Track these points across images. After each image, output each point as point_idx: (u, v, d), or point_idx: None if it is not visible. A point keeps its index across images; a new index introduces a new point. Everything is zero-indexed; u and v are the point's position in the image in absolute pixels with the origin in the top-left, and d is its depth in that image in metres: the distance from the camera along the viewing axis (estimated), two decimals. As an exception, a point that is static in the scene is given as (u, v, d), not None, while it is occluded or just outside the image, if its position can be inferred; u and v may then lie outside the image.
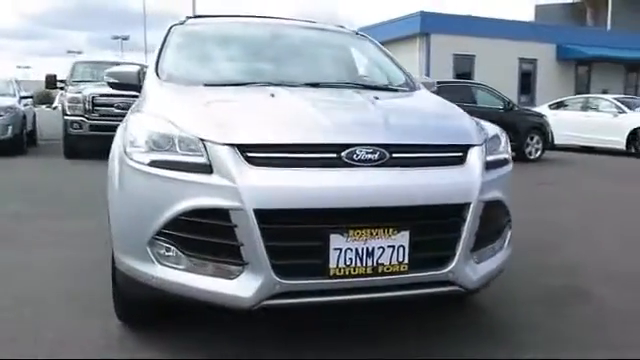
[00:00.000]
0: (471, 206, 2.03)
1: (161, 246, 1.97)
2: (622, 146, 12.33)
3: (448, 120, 2.32)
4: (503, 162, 2.33)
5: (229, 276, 1.89)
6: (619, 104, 12.99)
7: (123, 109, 9.55)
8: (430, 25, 17.58)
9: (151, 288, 2.03)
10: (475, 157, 2.12)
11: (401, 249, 1.94)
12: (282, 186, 1.85)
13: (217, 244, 1.88)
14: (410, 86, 3.15)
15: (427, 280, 2.01)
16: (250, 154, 1.89)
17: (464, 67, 18.47)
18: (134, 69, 3.06)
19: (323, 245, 1.87)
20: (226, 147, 1.89)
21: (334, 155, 1.93)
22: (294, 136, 1.96)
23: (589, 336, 2.45)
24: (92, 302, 2.68)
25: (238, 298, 1.87)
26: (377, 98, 2.52)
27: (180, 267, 1.95)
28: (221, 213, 1.85)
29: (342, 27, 3.88)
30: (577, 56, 20.24)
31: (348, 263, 1.89)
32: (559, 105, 14.50)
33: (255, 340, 2.33)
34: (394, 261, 1.94)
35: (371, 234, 1.90)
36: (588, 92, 19.09)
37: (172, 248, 1.95)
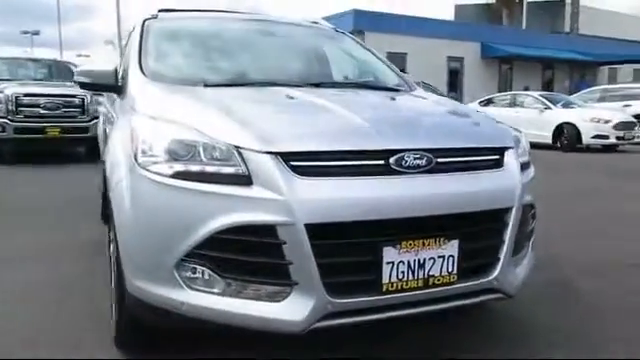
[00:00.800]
0: (513, 210, 1.97)
1: (192, 269, 1.75)
2: (549, 140, 13.01)
3: (478, 122, 2.25)
4: (528, 164, 2.30)
5: (275, 298, 1.71)
6: (544, 100, 13.71)
7: (50, 109, 8.91)
8: (363, 23, 17.75)
9: (177, 316, 1.80)
10: (512, 159, 2.07)
11: (450, 259, 1.85)
12: (334, 197, 1.69)
13: (261, 263, 1.70)
14: (408, 85, 3.08)
15: (475, 289, 1.93)
16: (295, 163, 1.71)
17: (397, 65, 18.62)
18: (110, 67, 2.76)
19: (375, 259, 1.74)
20: (269, 156, 1.71)
21: (382, 162, 1.80)
22: (340, 143, 1.80)
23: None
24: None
25: (288, 322, 1.69)
26: (394, 99, 2.41)
27: (215, 291, 1.74)
28: (267, 229, 1.67)
29: (317, 23, 3.74)
30: (500, 54, 21.25)
31: (400, 277, 1.78)
32: (489, 102, 15.12)
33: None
34: (444, 272, 1.84)
35: (423, 245, 1.79)
36: (510, 89, 20.09)
37: (206, 270, 1.74)
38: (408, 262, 1.78)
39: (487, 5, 33.83)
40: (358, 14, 17.81)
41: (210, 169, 1.75)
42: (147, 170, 1.83)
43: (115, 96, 2.93)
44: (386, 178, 1.78)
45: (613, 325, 2.50)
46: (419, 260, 1.79)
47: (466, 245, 1.87)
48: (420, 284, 1.81)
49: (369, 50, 3.46)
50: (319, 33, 3.51)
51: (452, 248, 1.84)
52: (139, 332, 2.09)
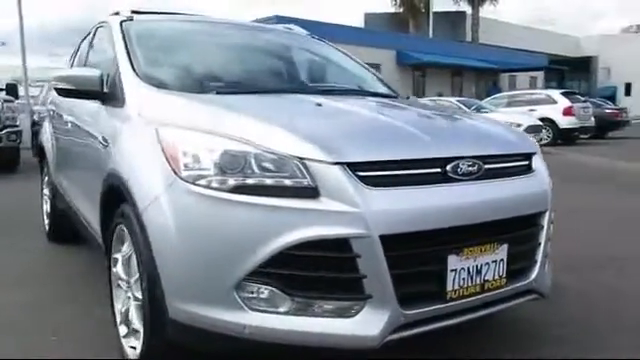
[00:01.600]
0: (547, 213, 2.06)
1: (254, 288, 1.65)
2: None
3: (503, 128, 2.32)
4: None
5: (347, 314, 1.65)
6: (461, 105, 14.49)
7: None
8: None
9: (234, 340, 1.68)
10: (540, 164, 2.15)
11: (501, 263, 1.89)
12: (405, 207, 1.67)
13: (332, 278, 1.64)
14: (397, 93, 3.11)
15: (518, 291, 1.99)
16: (362, 173, 1.67)
17: (318, 71, 19.01)
18: (95, 73, 2.54)
19: (441, 268, 1.74)
20: (337, 167, 1.64)
21: (439, 170, 1.80)
22: (402, 152, 1.77)
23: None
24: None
25: (363, 337, 1.64)
26: (412, 107, 2.42)
27: (281, 310, 1.65)
28: (340, 243, 1.61)
29: (291, 29, 3.70)
30: (414, 62, 22.19)
31: (461, 284, 1.79)
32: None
33: None
34: (496, 276, 1.88)
35: (480, 251, 1.82)
36: (424, 95, 21.00)
37: (270, 289, 1.64)
38: (468, 269, 1.79)
39: (395, 14, 35.21)
40: (281, 20, 17.76)
41: (272, 182, 1.66)
42: (196, 185, 1.69)
43: (94, 104, 2.66)
44: (445, 186, 1.78)
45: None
46: (477, 266, 1.81)
47: (513, 249, 1.92)
48: (477, 289, 1.83)
49: (351, 57, 3.46)
50: (305, 40, 3.46)
51: (502, 252, 1.88)
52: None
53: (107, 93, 2.53)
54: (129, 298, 2.15)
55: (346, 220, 1.61)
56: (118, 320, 2.27)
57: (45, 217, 4.47)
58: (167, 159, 1.80)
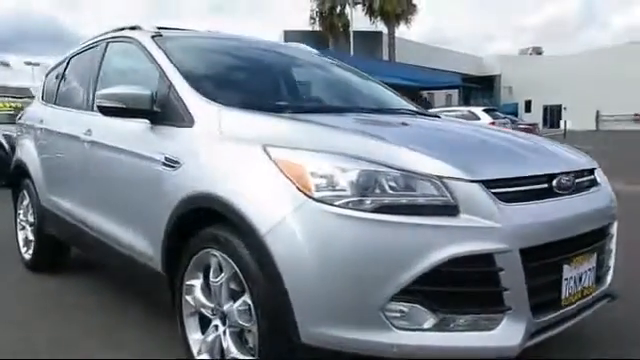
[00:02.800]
0: (615, 222, 2.24)
1: (399, 307, 1.66)
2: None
3: (566, 146, 2.48)
4: None
5: (488, 327, 1.70)
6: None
7: None
8: None
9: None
10: (602, 177, 2.34)
11: (592, 270, 2.04)
12: (536, 222, 1.77)
13: (474, 293, 1.69)
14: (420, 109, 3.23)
15: (600, 296, 2.14)
16: (495, 190, 1.75)
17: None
18: (147, 91, 2.43)
19: (559, 277, 1.86)
20: (476, 184, 1.71)
21: (546, 185, 1.92)
22: (521, 169, 1.88)
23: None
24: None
25: (504, 348, 1.70)
26: (467, 124, 2.54)
27: (425, 327, 1.67)
28: (485, 258, 1.67)
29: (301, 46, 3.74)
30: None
31: (570, 291, 1.91)
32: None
33: None
34: (590, 282, 2.03)
35: (582, 260, 1.95)
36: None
37: (415, 306, 1.66)
38: (574, 277, 1.92)
39: (314, 32, 35.92)
40: None
41: (413, 201, 1.69)
42: (333, 206, 1.68)
43: (136, 124, 2.53)
44: (555, 200, 1.90)
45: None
46: (580, 274, 1.95)
47: (599, 257, 2.08)
48: (579, 296, 1.96)
49: (367, 76, 3.55)
50: (325, 59, 3.49)
51: (594, 260, 2.03)
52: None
53: (158, 112, 2.43)
54: (216, 326, 2.07)
55: (490, 236, 1.67)
56: (196, 350, 2.16)
57: (22, 245, 4.11)
58: (290, 180, 1.76)
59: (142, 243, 2.47)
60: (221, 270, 2.02)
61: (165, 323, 2.69)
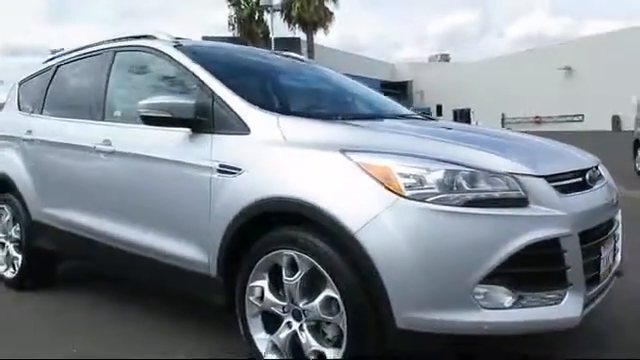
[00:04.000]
0: (620, 210, 2.61)
1: (485, 289, 1.88)
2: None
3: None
4: None
5: (556, 301, 1.95)
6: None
7: None
8: None
9: (464, 337, 1.90)
10: (605, 171, 2.70)
11: (612, 251, 2.37)
12: (587, 209, 2.07)
13: (544, 273, 1.94)
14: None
15: (618, 271, 2.48)
16: (554, 183, 2.02)
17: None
18: (191, 100, 2.49)
19: (598, 255, 2.16)
20: (541, 179, 1.97)
21: (581, 179, 2.22)
22: (566, 165, 2.18)
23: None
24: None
25: (569, 319, 1.96)
26: (473, 127, 2.83)
27: (506, 305, 1.90)
28: (553, 242, 1.93)
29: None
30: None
31: (604, 269, 2.23)
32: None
33: None
34: (612, 261, 2.36)
35: (608, 242, 2.28)
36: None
37: (498, 288, 1.89)
38: (607, 256, 2.24)
39: (233, 38, 35.71)
40: None
41: (491, 195, 1.91)
42: (424, 202, 1.88)
43: (173, 133, 2.57)
44: (589, 191, 2.21)
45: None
46: (608, 254, 2.27)
47: (615, 240, 2.42)
48: (607, 272, 2.28)
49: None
50: (322, 67, 3.66)
51: (612, 243, 2.37)
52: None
53: (203, 120, 2.49)
54: (289, 323, 2.18)
55: (556, 222, 1.94)
56: (264, 349, 2.25)
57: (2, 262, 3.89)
58: (378, 181, 1.93)
59: (190, 250, 2.50)
60: (294, 269, 2.13)
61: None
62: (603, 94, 26.22)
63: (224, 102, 2.48)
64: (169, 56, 2.83)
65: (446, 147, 2.07)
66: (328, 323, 2.09)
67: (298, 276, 2.12)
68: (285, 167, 2.21)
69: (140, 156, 2.76)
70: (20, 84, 4.15)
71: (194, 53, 2.82)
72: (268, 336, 2.26)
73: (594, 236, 2.12)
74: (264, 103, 2.44)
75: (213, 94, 2.52)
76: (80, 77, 3.51)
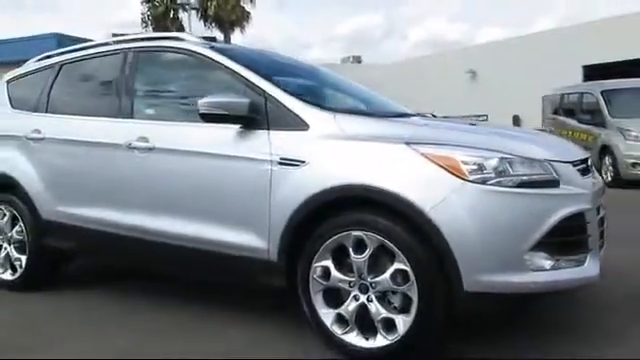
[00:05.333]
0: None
1: (533, 255, 2.29)
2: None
3: None
4: None
5: (581, 263, 2.41)
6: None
7: None
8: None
9: (515, 295, 2.32)
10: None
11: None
12: (596, 189, 2.60)
13: (573, 240, 2.40)
14: None
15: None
16: (575, 167, 2.49)
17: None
18: (246, 99, 2.72)
19: (603, 227, 2.67)
20: (569, 164, 2.43)
21: (585, 165, 2.71)
22: (578, 154, 2.67)
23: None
24: None
25: (591, 277, 2.43)
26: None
27: (547, 268, 2.33)
28: (581, 215, 2.39)
29: None
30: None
31: (604, 238, 2.72)
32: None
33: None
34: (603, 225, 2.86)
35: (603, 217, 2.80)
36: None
37: (542, 253, 2.31)
38: (604, 229, 2.72)
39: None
40: (62, 39, 16.00)
41: (533, 178, 2.34)
42: (486, 185, 2.26)
43: (224, 131, 2.77)
44: (591, 176, 2.70)
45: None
46: (603, 227, 2.77)
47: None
48: (603, 241, 2.79)
49: None
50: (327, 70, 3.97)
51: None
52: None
53: (256, 118, 2.72)
54: (355, 296, 2.47)
55: (583, 199, 2.41)
56: (329, 322, 2.52)
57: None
58: (444, 168, 2.29)
59: (248, 238, 2.71)
60: (362, 248, 2.43)
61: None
62: (504, 95, 28.30)
63: (278, 101, 2.71)
64: (207, 57, 3.00)
65: (492, 139, 2.49)
66: (394, 293, 2.41)
67: (367, 254, 2.42)
68: (349, 158, 2.50)
69: (187, 152, 2.91)
70: (8, 82, 4.06)
71: (231, 54, 3.02)
72: (332, 310, 2.54)
73: (599, 210, 2.61)
74: (318, 102, 2.72)
75: (265, 93, 2.75)
76: (95, 76, 3.55)
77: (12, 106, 3.93)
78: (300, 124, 2.64)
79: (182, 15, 32.88)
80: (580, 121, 9.26)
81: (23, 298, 3.57)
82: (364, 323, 2.46)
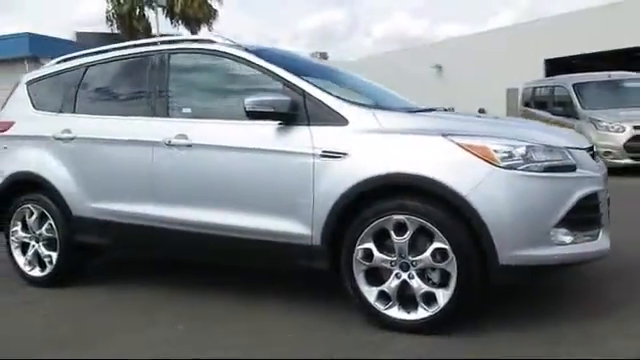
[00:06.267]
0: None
1: (556, 231, 2.60)
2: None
3: None
4: None
5: (594, 238, 2.73)
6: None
7: None
8: (39, 49, 15.75)
9: (542, 267, 2.64)
10: None
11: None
12: (604, 172, 2.92)
13: (588, 218, 2.72)
14: None
15: None
16: (589, 153, 2.82)
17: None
18: (288, 98, 2.94)
19: (609, 206, 2.99)
20: (584, 151, 2.76)
21: (592, 152, 3.03)
22: (581, 142, 3.00)
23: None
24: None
25: (603, 250, 2.76)
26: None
27: (567, 242, 2.64)
28: (594, 195, 2.71)
29: None
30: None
31: (609, 216, 3.07)
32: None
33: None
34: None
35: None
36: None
37: (563, 229, 2.62)
38: (609, 208, 3.07)
39: (112, 34, 33.96)
40: (34, 38, 15.68)
41: (555, 163, 2.64)
42: (516, 170, 2.56)
43: (263, 128, 2.99)
44: (597, 162, 3.03)
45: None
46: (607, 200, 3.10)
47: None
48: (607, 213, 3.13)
49: None
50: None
51: (606, 198, 3.24)
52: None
53: (295, 114, 2.94)
54: (397, 274, 2.73)
55: (596, 181, 2.73)
56: (372, 299, 2.78)
57: (23, 263, 3.90)
58: (479, 157, 2.57)
59: (292, 225, 2.92)
60: (402, 230, 2.69)
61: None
62: (470, 89, 28.99)
63: (317, 99, 2.94)
64: (244, 59, 3.20)
65: (516, 130, 2.80)
66: (433, 270, 2.68)
67: (407, 235, 2.68)
68: (390, 149, 2.75)
69: (228, 147, 3.10)
70: (28, 84, 4.14)
71: (264, 56, 3.23)
72: (374, 288, 2.79)
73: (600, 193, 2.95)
74: (354, 99, 2.96)
75: (304, 92, 2.97)
76: (125, 77, 3.68)
77: (34, 107, 4.01)
78: (340, 120, 2.87)
79: (148, 13, 32.51)
80: (553, 113, 9.77)
81: (59, 293, 3.69)
82: (403, 298, 2.73)
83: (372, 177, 2.73)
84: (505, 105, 25.73)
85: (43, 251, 3.85)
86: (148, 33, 32.34)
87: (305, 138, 2.91)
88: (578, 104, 9.25)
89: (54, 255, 3.80)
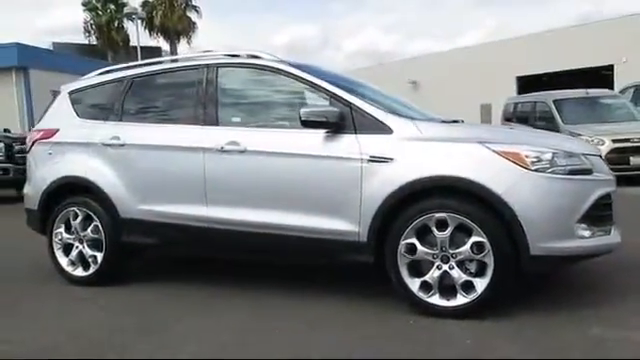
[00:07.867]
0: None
1: (578, 226, 2.99)
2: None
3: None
4: None
5: (607, 233, 3.13)
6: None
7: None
8: (27, 59, 15.72)
9: (565, 257, 3.02)
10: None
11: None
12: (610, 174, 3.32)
13: (603, 215, 3.12)
14: None
15: None
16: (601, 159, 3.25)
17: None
18: (337, 109, 3.28)
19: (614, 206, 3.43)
20: (598, 157, 3.18)
21: (600, 155, 3.47)
22: (594, 150, 3.43)
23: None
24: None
25: (615, 243, 3.17)
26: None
27: (586, 236, 3.03)
28: (608, 195, 3.12)
29: None
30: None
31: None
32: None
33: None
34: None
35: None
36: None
37: (584, 225, 3.02)
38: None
39: (89, 45, 33.81)
40: (22, 49, 15.60)
41: (575, 167, 3.05)
42: (545, 172, 2.95)
43: (312, 136, 3.31)
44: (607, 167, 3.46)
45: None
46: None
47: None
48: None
49: None
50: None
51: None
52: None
53: (342, 124, 3.28)
54: (438, 266, 3.07)
55: (608, 183, 3.15)
56: (415, 288, 3.12)
57: (66, 264, 4.10)
58: (512, 162, 2.96)
59: (341, 223, 3.25)
60: (443, 226, 3.05)
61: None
62: (444, 104, 29.77)
63: (363, 110, 3.29)
64: (291, 73, 3.53)
65: (540, 139, 3.20)
66: (471, 261, 3.04)
67: (448, 231, 3.04)
68: (432, 155, 3.11)
69: (279, 153, 3.41)
70: (71, 94, 4.37)
71: (308, 70, 3.56)
72: (416, 278, 3.13)
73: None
74: (394, 111, 3.33)
75: (350, 104, 3.32)
76: (173, 88, 3.96)
77: (79, 115, 4.24)
78: (385, 129, 3.23)
79: (127, 24, 32.51)
80: (535, 127, 10.35)
81: (110, 291, 3.90)
82: (442, 287, 3.08)
83: (417, 179, 3.08)
84: (480, 120, 26.52)
85: (87, 251, 4.05)
86: (127, 45, 32.37)
87: (353, 145, 3.25)
88: (559, 119, 9.85)
89: (99, 255, 4.01)
